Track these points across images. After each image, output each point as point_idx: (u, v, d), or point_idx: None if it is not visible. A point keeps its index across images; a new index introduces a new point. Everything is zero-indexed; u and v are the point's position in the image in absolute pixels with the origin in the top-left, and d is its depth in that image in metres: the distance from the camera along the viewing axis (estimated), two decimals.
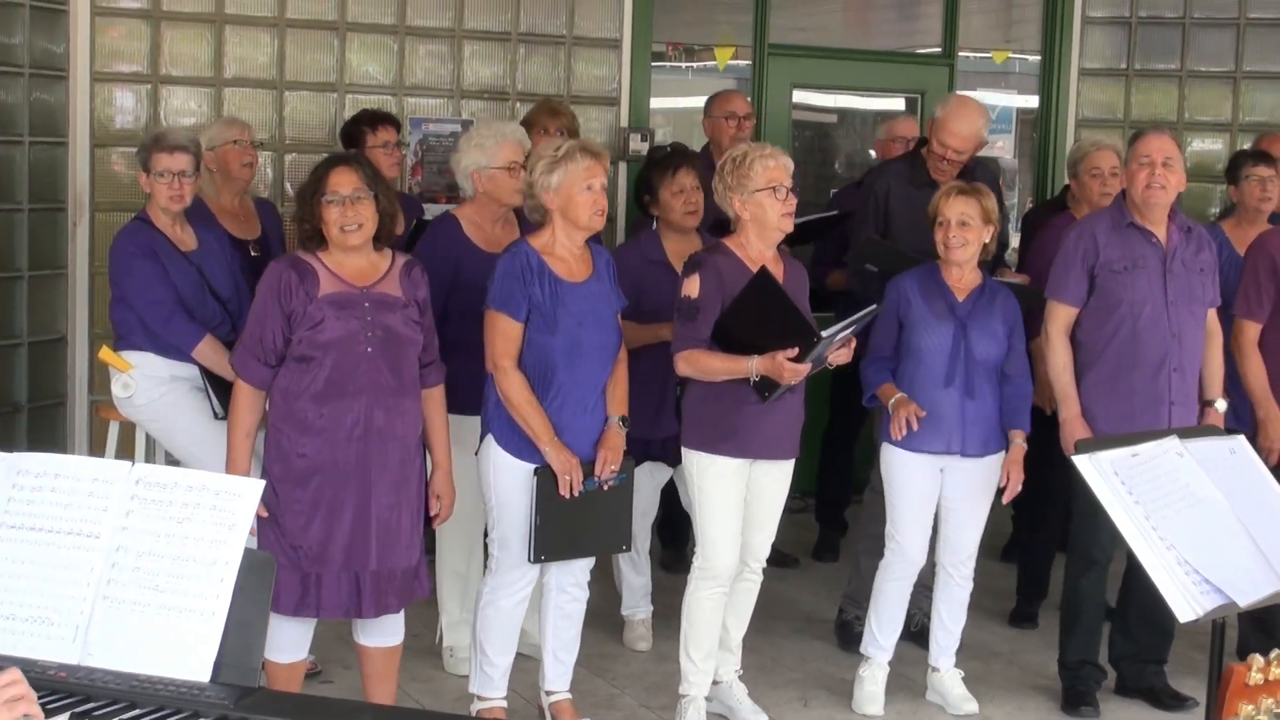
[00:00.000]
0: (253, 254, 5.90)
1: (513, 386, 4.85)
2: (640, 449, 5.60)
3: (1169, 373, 5.41)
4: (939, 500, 5.52)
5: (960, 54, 9.01)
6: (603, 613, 6.15)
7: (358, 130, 6.46)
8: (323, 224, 4.55)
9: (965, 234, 5.38)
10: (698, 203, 5.76)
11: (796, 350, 4.87)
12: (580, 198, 4.86)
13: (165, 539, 2.87)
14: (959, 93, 6.62)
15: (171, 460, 5.52)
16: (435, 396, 4.81)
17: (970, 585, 5.63)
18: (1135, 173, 5.40)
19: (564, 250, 4.93)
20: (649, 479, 5.93)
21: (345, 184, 4.55)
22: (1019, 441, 5.43)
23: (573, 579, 5.14)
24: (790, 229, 5.15)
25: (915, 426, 5.34)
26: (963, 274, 5.47)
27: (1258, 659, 3.28)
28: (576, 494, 4.86)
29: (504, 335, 4.85)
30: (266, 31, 7.31)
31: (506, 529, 4.95)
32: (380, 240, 4.67)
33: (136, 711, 2.69)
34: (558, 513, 4.88)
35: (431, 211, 6.59)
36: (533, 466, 4.86)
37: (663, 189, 5.82)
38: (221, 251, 5.62)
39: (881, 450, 5.54)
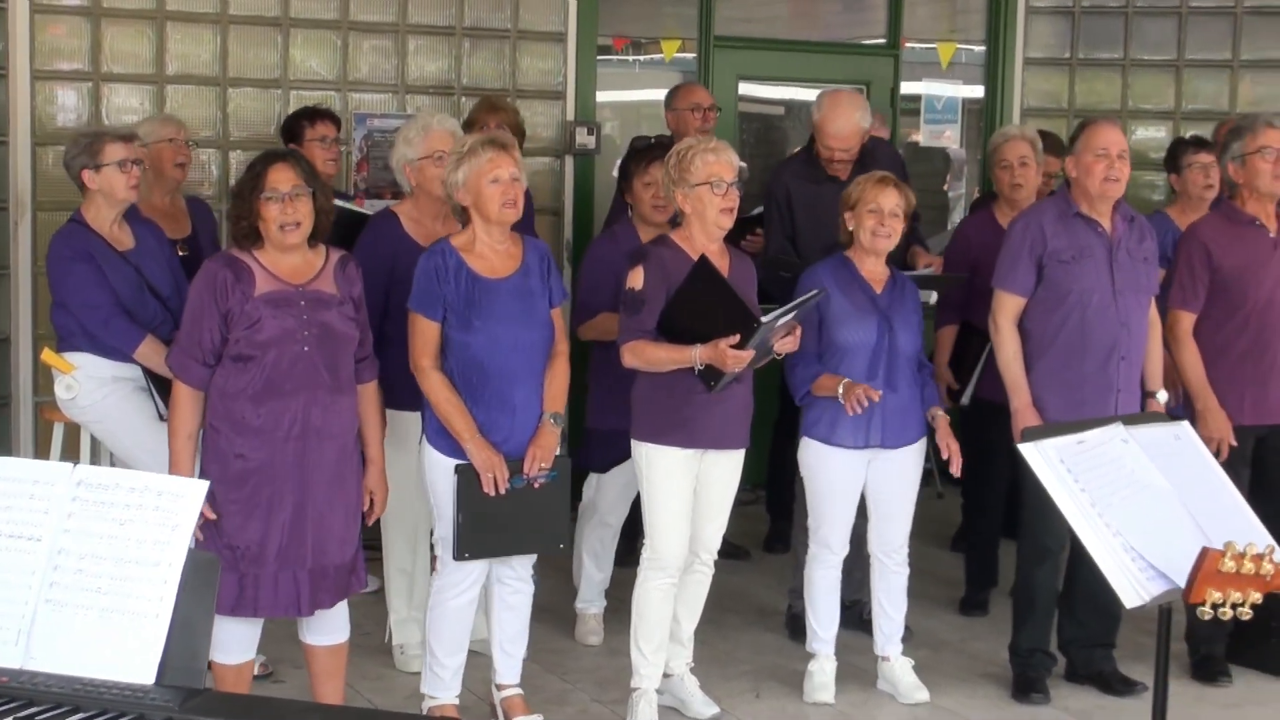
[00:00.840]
0: (180, 253, 5.77)
1: (431, 386, 4.83)
2: None
3: (1118, 361, 5.44)
4: (865, 492, 5.52)
5: (906, 45, 9.04)
6: (554, 608, 6.14)
7: (297, 124, 6.45)
8: (261, 221, 4.52)
9: (894, 225, 5.39)
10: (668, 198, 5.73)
11: (738, 337, 4.87)
12: (487, 190, 4.81)
13: (108, 541, 2.83)
14: (831, 89, 6.59)
15: (117, 462, 5.47)
16: (369, 392, 4.79)
17: (906, 569, 5.63)
18: (1091, 165, 5.39)
19: (484, 247, 4.89)
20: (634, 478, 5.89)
21: (284, 181, 4.52)
22: (940, 415, 5.45)
23: (512, 571, 5.10)
24: (729, 224, 5.13)
25: (866, 403, 5.25)
26: (877, 265, 5.48)
27: (1234, 546, 3.28)
28: (502, 492, 4.83)
29: (421, 335, 4.84)
30: (209, 28, 7.26)
31: (445, 529, 4.93)
32: (315, 237, 4.63)
33: (80, 715, 2.65)
34: (482, 511, 4.84)
35: (375, 208, 6.55)
36: (455, 463, 4.84)
37: (635, 178, 5.81)
38: (160, 248, 5.56)
39: (801, 444, 5.53)
